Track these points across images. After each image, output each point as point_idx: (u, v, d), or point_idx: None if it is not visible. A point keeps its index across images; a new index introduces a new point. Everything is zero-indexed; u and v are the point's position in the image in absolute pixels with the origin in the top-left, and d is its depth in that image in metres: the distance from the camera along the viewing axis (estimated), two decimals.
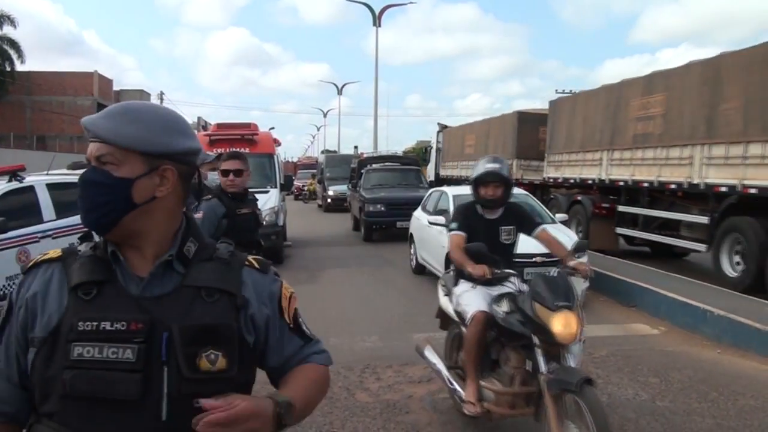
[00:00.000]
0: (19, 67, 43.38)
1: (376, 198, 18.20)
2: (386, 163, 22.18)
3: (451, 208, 10.55)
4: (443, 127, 30.78)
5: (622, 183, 14.03)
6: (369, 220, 18.11)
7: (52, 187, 9.51)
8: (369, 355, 7.31)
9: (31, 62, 69.65)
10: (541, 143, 18.88)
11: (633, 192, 13.87)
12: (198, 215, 4.74)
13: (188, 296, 1.52)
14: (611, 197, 14.68)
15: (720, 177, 10.88)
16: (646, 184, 13.15)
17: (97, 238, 1.60)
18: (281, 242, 14.25)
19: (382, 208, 17.92)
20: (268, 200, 13.03)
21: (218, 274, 1.58)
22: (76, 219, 9.30)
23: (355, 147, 44.08)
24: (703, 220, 11.41)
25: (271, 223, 12.76)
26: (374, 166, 21.37)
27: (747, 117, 10.20)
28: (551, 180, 17.92)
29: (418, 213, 13.02)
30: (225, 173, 5.06)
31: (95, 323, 1.43)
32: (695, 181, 11.51)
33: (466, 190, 13.48)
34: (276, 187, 14.20)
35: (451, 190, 12.19)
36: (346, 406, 5.69)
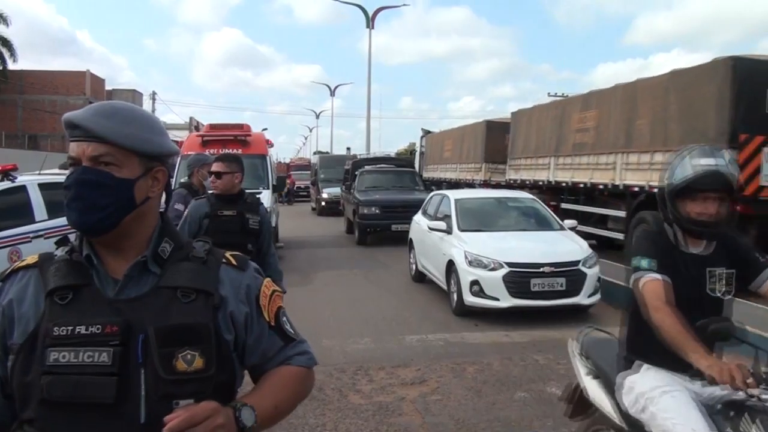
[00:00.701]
0: (11, 66, 43.29)
1: (371, 200, 17.75)
2: (381, 165, 21.69)
3: (454, 213, 10.41)
4: (426, 133, 33.29)
5: (564, 184, 16.45)
6: (363, 223, 17.67)
7: (44, 186, 9.47)
8: (361, 356, 7.31)
9: (24, 61, 69.46)
10: (506, 149, 21.09)
11: (573, 191, 16.24)
12: (178, 206, 4.81)
13: (164, 297, 1.51)
14: (561, 196, 16.75)
15: (634, 179, 13.38)
16: (581, 185, 15.56)
17: (74, 241, 1.58)
18: (274, 243, 14.21)
19: (377, 211, 17.49)
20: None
21: (194, 273, 1.56)
22: None
23: (348, 148, 43.98)
24: (622, 214, 13.80)
25: None
26: (368, 167, 20.85)
27: (653, 132, 12.84)
28: (512, 181, 19.95)
29: (418, 217, 12.47)
30: (210, 174, 5.14)
31: (70, 328, 1.42)
32: (617, 183, 14.00)
33: (468, 193, 12.92)
34: (268, 188, 14.17)
35: (453, 194, 11.57)
36: (339, 407, 5.69)
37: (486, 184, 21.99)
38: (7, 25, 41.83)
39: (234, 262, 1.66)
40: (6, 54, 42.30)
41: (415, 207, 16.73)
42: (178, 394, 1.44)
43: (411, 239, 12.49)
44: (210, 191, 5.20)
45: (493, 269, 8.79)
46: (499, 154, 21.61)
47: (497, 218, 10.84)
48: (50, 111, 45.93)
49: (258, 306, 1.66)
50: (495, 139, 22.13)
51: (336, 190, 25.86)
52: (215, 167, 5.04)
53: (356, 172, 20.11)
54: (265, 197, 13.60)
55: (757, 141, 10.70)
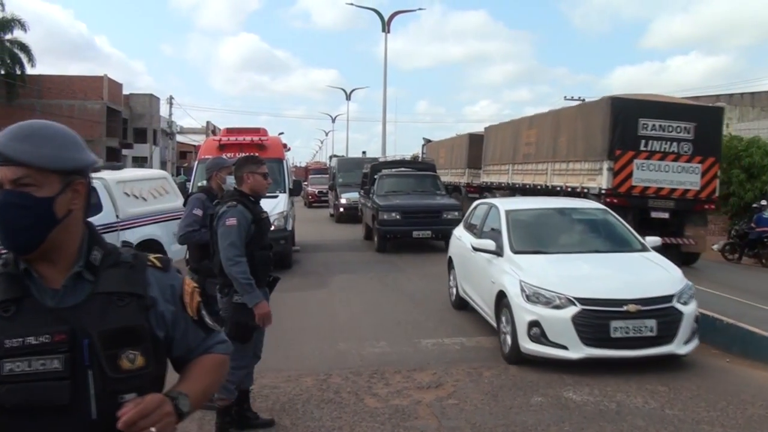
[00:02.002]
0: (30, 71, 43.63)
1: (391, 205, 16.94)
2: (401, 169, 20.86)
3: (505, 229, 8.27)
4: (427, 141, 38.13)
5: (517, 185, 20.99)
6: (383, 229, 16.86)
7: None
8: (377, 360, 7.33)
9: (43, 66, 70.22)
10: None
11: (523, 191, 20.12)
12: (231, 222, 4.77)
13: (101, 303, 1.61)
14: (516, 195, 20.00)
15: (558, 181, 18.01)
16: (528, 186, 20.02)
17: (7, 255, 1.65)
18: (290, 247, 14.27)
19: (398, 217, 16.71)
20: (277, 205, 13.06)
21: (125, 278, 1.67)
22: None
23: (364, 152, 43.99)
24: None
25: (280, 228, 12.80)
26: (388, 171, 19.99)
27: (568, 146, 17.65)
28: (484, 183, 25.00)
29: (460, 232, 10.48)
30: (265, 176, 5.13)
31: (20, 339, 1.51)
32: (547, 184, 18.69)
33: (521, 203, 10.76)
34: (285, 191, 14.22)
35: (503, 204, 9.31)
36: (355, 411, 5.71)
37: (468, 186, 27.37)
38: (26, 30, 42.25)
39: (158, 264, 1.78)
40: (24, 59, 42.68)
41: (437, 213, 16.93)
42: (124, 390, 1.58)
43: (450, 258, 10.49)
44: (230, 193, 5.19)
45: (558, 307, 6.80)
46: (479, 161, 26.25)
47: (560, 235, 8.67)
48: (68, 116, 46.21)
49: (182, 303, 1.78)
50: (476, 149, 26.82)
51: (355, 195, 25.03)
52: (266, 169, 5.12)
53: (375, 176, 19.34)
54: (282, 201, 13.68)
55: (629, 155, 15.30)
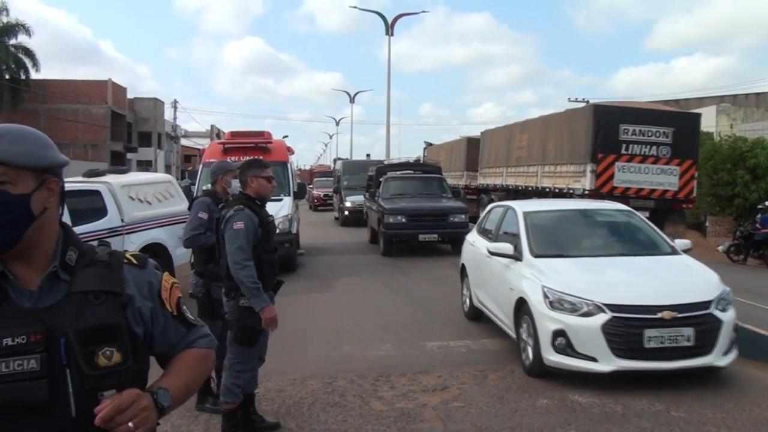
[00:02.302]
0: (34, 76, 43.78)
1: (397, 209, 16.67)
2: (407, 171, 20.66)
3: (524, 232, 7.71)
4: (428, 145, 39.64)
5: (511, 187, 22.66)
6: (389, 232, 16.58)
7: (66, 194, 9.45)
8: (382, 363, 7.33)
9: (49, 71, 70.22)
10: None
11: (516, 193, 21.63)
12: (239, 225, 4.78)
13: (77, 302, 1.63)
14: (511, 197, 20.47)
15: (547, 183, 19.66)
16: (520, 187, 21.70)
17: None
18: (295, 250, 14.28)
19: (404, 220, 16.44)
20: (282, 208, 13.08)
21: (101, 276, 1.69)
22: (91, 226, 9.39)
23: (368, 155, 44.02)
24: None
25: (284, 231, 12.81)
26: (393, 173, 19.73)
27: (556, 150, 19.38)
28: (481, 185, 26.81)
29: (473, 237, 9.79)
30: (269, 180, 5.15)
31: None
32: (537, 185, 20.52)
33: (539, 205, 9.74)
34: (290, 195, 14.24)
35: (520, 206, 8.61)
36: (360, 413, 5.71)
37: (467, 188, 28.65)
38: (30, 35, 42.40)
39: (135, 261, 1.80)
40: (29, 64, 42.82)
41: (443, 216, 16.72)
42: (102, 387, 1.60)
43: (463, 265, 9.84)
44: (236, 196, 5.20)
45: (586, 314, 6.23)
46: (476, 163, 28.15)
47: (583, 238, 8.04)
48: (72, 120, 46.43)
49: (160, 299, 1.81)
50: (473, 152, 28.63)
51: (361, 198, 24.47)
52: (270, 172, 5.15)
53: (380, 179, 19.07)
54: (286, 204, 13.70)
55: (611, 158, 17.01)
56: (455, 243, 16.06)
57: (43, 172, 1.66)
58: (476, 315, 9.05)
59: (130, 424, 1.54)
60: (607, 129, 17.00)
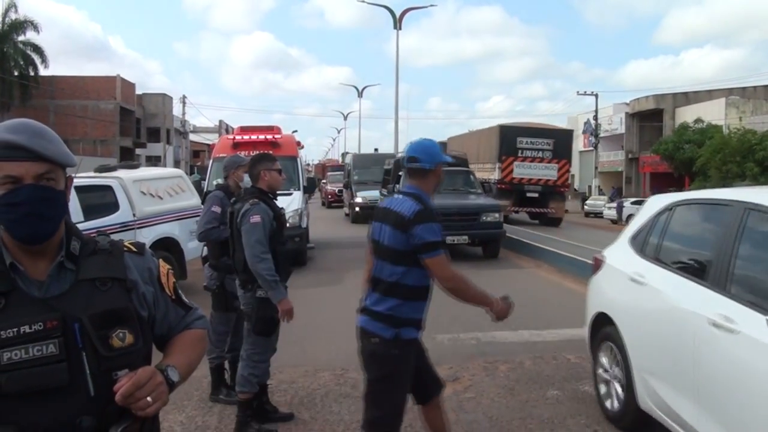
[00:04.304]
0: (43, 72, 43.99)
1: None
2: None
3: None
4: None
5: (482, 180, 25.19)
6: None
7: (79, 189, 9.60)
8: None
9: (59, 67, 70.59)
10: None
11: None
12: (256, 219, 4.83)
13: (86, 289, 1.72)
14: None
15: (480, 175, 22.32)
16: (483, 181, 22.59)
17: None
18: (305, 244, 14.35)
19: None
20: (292, 202, 13.14)
21: (105, 264, 1.79)
22: (103, 221, 9.47)
23: (376, 149, 43.99)
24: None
25: (294, 225, 12.86)
26: None
27: (481, 154, 29.36)
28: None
29: (623, 256, 5.42)
30: (280, 172, 5.24)
31: (15, 329, 1.60)
32: (486, 178, 26.18)
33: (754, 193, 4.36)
34: (299, 189, 14.30)
35: (734, 193, 4.53)
36: None
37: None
38: (38, 32, 42.62)
39: (134, 249, 1.90)
40: (37, 60, 43.04)
41: (474, 215, 14.96)
42: (116, 367, 1.69)
43: (603, 318, 5.38)
44: (248, 190, 5.25)
45: None
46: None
47: None
48: (81, 116, 46.63)
49: (160, 284, 1.93)
50: (508, 142, 29.36)
51: (372, 193, 23.93)
52: (279, 165, 5.22)
53: (400, 173, 16.96)
54: (296, 198, 13.75)
55: (511, 159, 26.55)
56: (488, 246, 15.29)
57: (64, 169, 1.77)
58: (634, 425, 4.97)
59: (149, 398, 1.64)
60: (508, 141, 26.02)
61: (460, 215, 14.62)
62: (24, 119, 1.76)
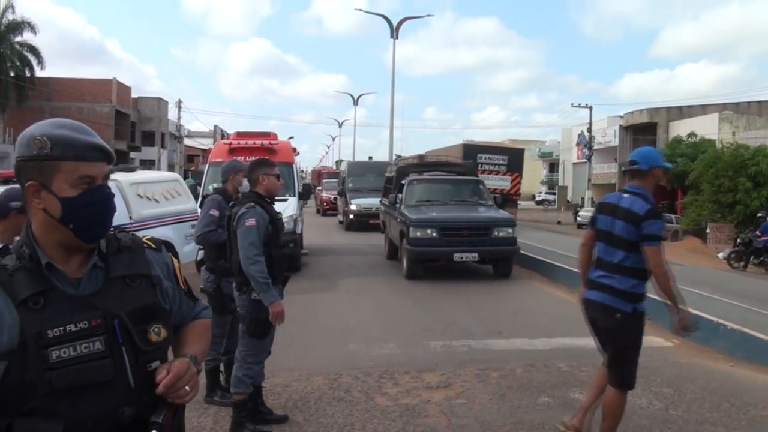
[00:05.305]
0: (39, 73, 43.89)
1: (426, 220, 13.35)
2: (435, 172, 16.74)
3: None
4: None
5: None
6: (415, 250, 13.15)
7: None
8: (387, 361, 7.44)
9: (56, 69, 70.45)
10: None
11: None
12: (251, 222, 4.92)
13: (118, 286, 1.78)
14: None
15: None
16: None
17: (21, 250, 1.74)
18: (299, 250, 14.42)
19: (434, 235, 13.09)
20: (286, 208, 13.19)
21: (131, 261, 1.85)
22: None
23: (370, 157, 44.01)
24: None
25: (289, 231, 12.91)
26: (419, 175, 16.05)
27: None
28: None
29: None
30: (278, 178, 5.31)
31: (62, 328, 1.65)
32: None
33: None
34: (294, 195, 14.37)
35: None
36: (366, 409, 5.83)
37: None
38: (35, 33, 42.51)
39: (152, 245, 1.97)
40: (34, 61, 42.95)
41: (485, 229, 13.30)
42: (151, 360, 1.78)
43: None
44: (246, 194, 5.33)
45: None
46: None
47: None
48: (77, 118, 44.38)
49: (175, 277, 2.01)
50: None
51: (367, 201, 23.58)
52: (277, 170, 5.30)
53: (403, 182, 15.57)
54: (292, 204, 13.82)
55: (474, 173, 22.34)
56: (499, 264, 13.73)
57: None
58: None
59: (187, 388, 1.77)
60: (471, 156, 26.12)
61: (469, 230, 13.21)
62: (66, 120, 1.81)
